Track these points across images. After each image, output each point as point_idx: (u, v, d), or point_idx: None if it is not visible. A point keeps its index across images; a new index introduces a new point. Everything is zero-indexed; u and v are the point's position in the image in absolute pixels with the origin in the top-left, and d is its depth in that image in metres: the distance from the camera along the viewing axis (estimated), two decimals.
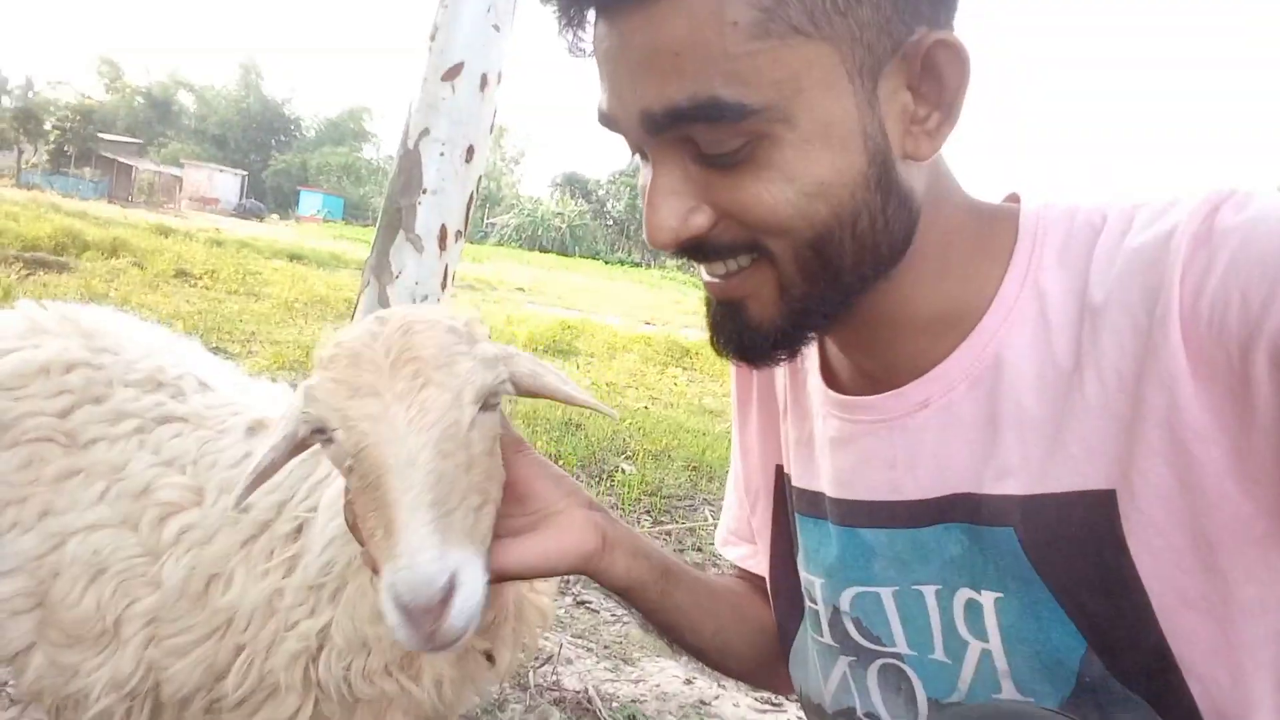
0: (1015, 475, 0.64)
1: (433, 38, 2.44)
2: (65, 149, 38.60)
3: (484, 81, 2.43)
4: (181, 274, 10.90)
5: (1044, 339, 0.65)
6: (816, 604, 0.82)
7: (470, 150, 2.43)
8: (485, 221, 60.60)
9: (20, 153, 36.43)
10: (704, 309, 0.74)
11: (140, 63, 67.75)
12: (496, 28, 2.44)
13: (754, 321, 0.66)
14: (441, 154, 2.38)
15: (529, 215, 55.11)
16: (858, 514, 0.76)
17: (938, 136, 0.65)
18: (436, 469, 0.79)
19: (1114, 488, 0.59)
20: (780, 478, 0.92)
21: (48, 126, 37.65)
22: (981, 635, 0.67)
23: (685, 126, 0.61)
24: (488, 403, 0.87)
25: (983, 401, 0.67)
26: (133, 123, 61.54)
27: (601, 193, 59.03)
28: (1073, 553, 0.61)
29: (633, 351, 10.66)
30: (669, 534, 4.11)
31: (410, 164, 2.39)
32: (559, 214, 54.81)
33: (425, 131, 2.38)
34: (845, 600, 0.77)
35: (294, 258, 16.97)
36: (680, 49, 0.58)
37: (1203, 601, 0.56)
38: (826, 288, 0.66)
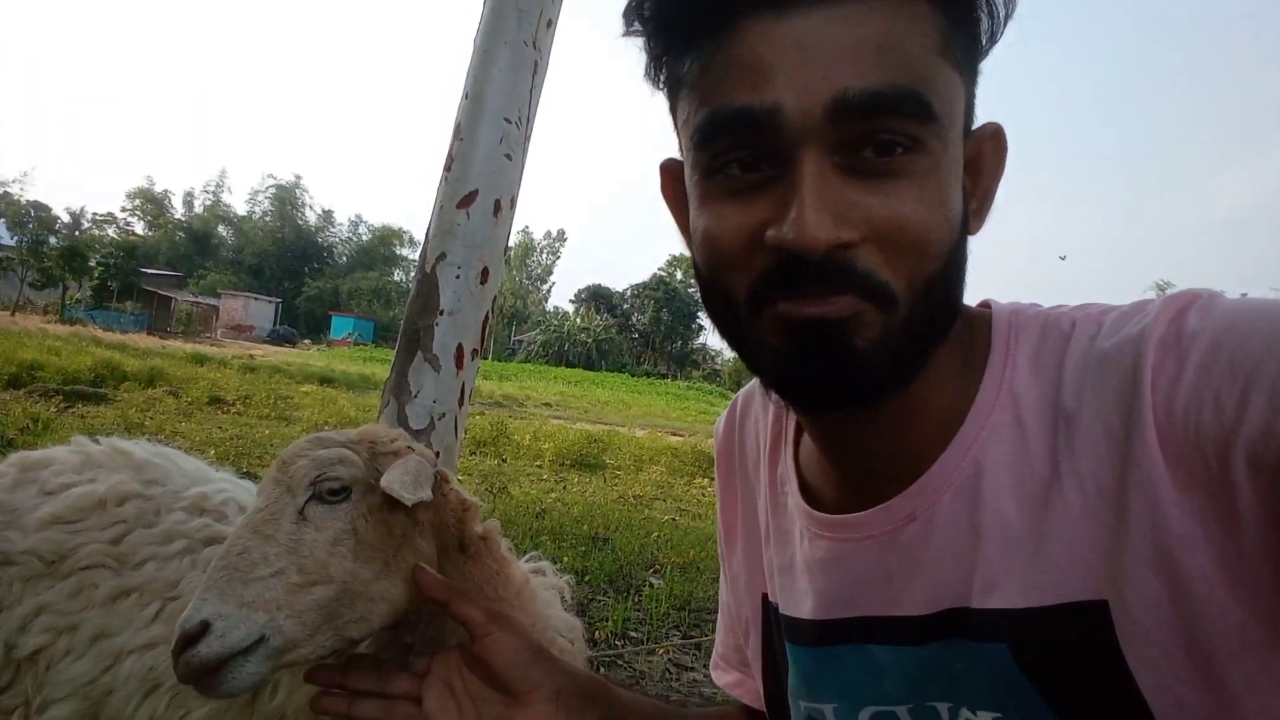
0: (1002, 588, 0.63)
1: (448, 168, 2.56)
2: (109, 284, 39.98)
3: (497, 207, 2.54)
4: (215, 401, 11.14)
5: (1021, 446, 0.64)
6: None
7: (485, 272, 2.52)
8: (512, 339, 61.52)
9: (65, 289, 37.76)
10: (759, 351, 0.67)
11: (182, 194, 70.53)
12: (509, 156, 2.57)
13: (859, 345, 0.61)
14: (458, 276, 2.47)
15: (555, 331, 55.96)
16: (865, 630, 0.74)
17: (979, 219, 0.68)
18: (244, 543, 0.98)
19: (1105, 599, 0.58)
20: (766, 607, 0.88)
21: (92, 263, 39.11)
22: None
23: (873, 119, 0.59)
24: (324, 497, 1.03)
25: (964, 512, 0.66)
26: (174, 256, 64.00)
27: (626, 306, 59.92)
28: (1069, 667, 0.60)
29: (660, 463, 10.63)
30: (698, 647, 4.02)
31: (428, 287, 2.48)
32: (584, 329, 55.61)
33: (442, 256, 2.47)
34: None
35: (324, 381, 17.28)
36: (882, 43, 0.58)
37: (1204, 712, 0.55)
38: (928, 326, 0.64)
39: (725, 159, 0.63)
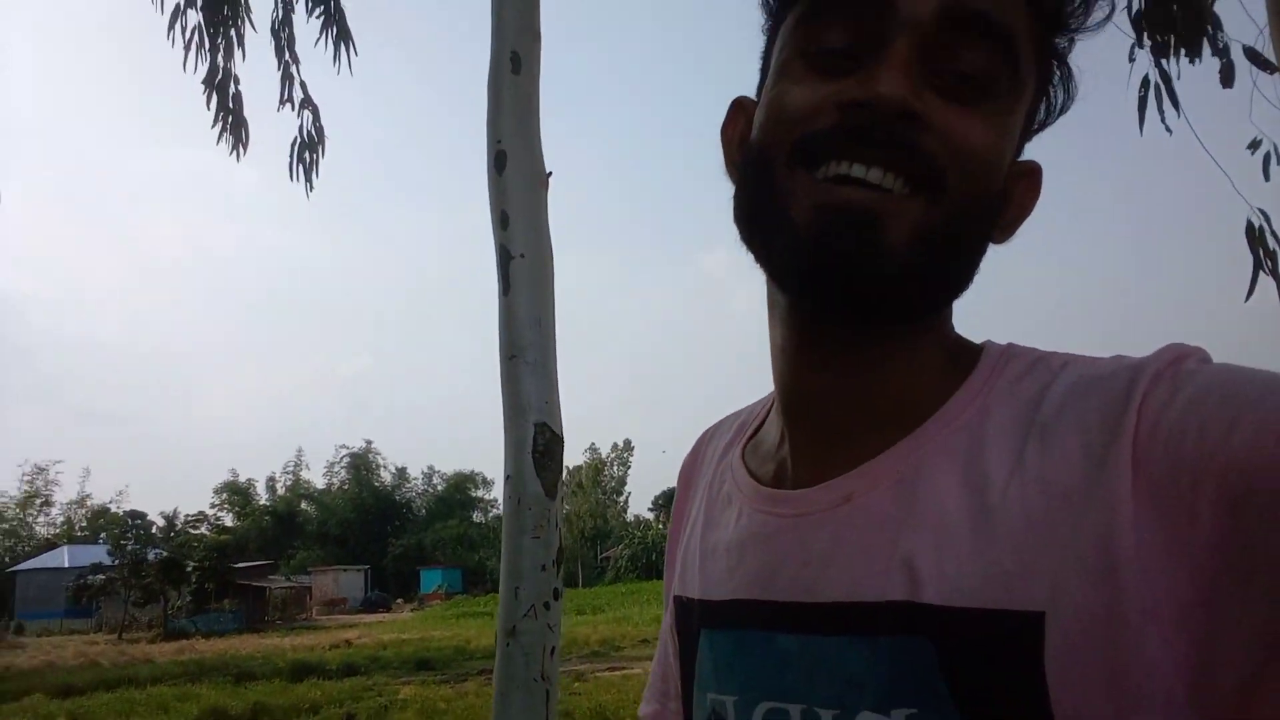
0: (933, 584, 0.59)
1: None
2: (206, 586, 40.91)
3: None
4: None
5: (981, 447, 0.61)
6: None
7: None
8: (599, 558, 60.81)
9: (165, 601, 38.69)
10: (781, 226, 0.62)
11: (264, 479, 73.49)
12: (548, 403, 2.72)
13: (888, 242, 0.58)
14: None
15: (640, 542, 55.26)
16: (775, 616, 0.69)
17: (1004, 233, 0.69)
18: None
19: (1044, 610, 0.54)
20: (681, 608, 0.83)
21: (189, 569, 40.24)
22: None
23: (974, 40, 0.60)
24: None
25: (904, 502, 0.63)
26: (263, 542, 65.70)
27: None
28: (990, 675, 0.56)
29: None
30: None
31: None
32: (666, 535, 54.68)
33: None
34: (757, 719, 0.70)
35: (421, 665, 17.16)
36: None
37: None
38: (955, 253, 0.63)
39: (823, 37, 0.63)
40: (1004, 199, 0.65)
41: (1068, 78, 0.67)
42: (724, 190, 0.73)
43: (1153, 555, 0.51)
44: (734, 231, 0.68)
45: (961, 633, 0.57)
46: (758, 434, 0.81)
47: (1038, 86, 0.65)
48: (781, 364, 0.71)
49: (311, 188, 5.88)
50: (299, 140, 5.79)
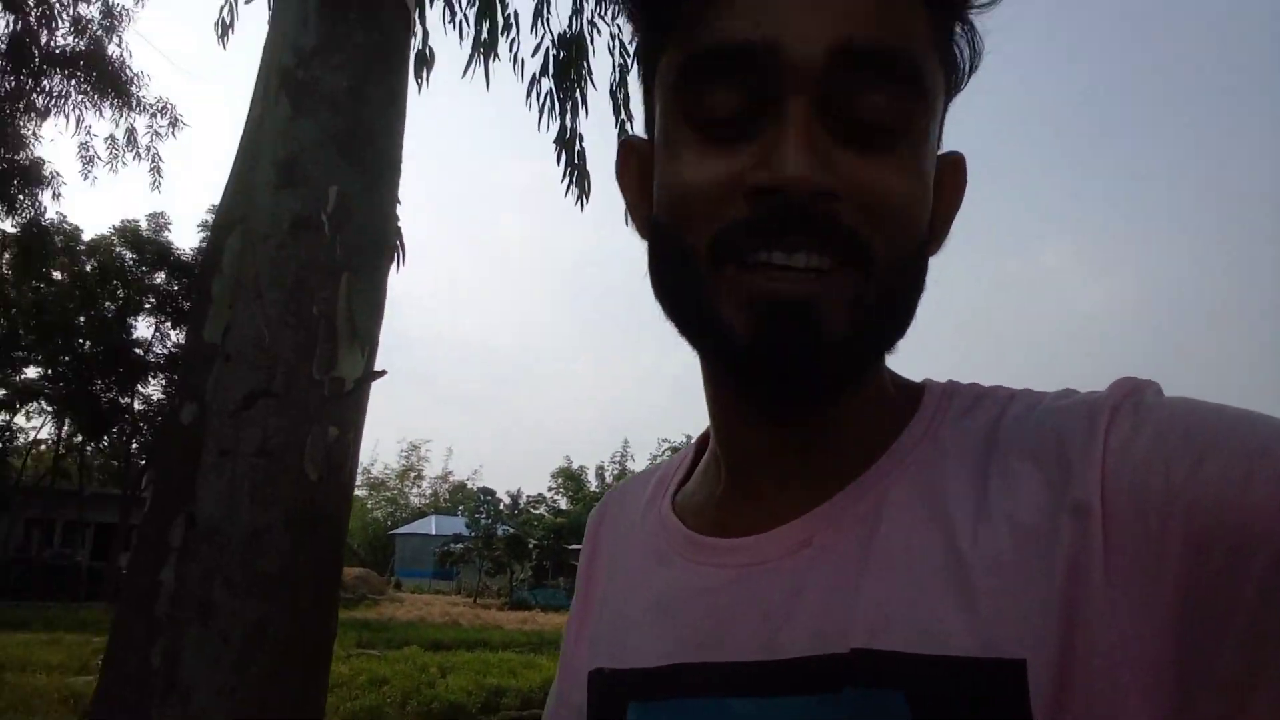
0: (900, 630, 0.54)
1: None
2: (544, 564, 44.70)
3: None
4: None
5: (939, 482, 0.58)
6: None
7: None
8: None
9: (511, 574, 42.76)
10: (713, 322, 0.58)
11: (594, 468, 79.09)
12: None
13: (825, 328, 0.55)
14: None
15: None
16: (726, 680, 0.61)
17: (937, 243, 0.64)
18: None
19: (1024, 658, 0.51)
20: (593, 683, 0.73)
21: (530, 546, 44.18)
22: None
23: (871, 78, 0.55)
24: None
25: (867, 543, 0.58)
26: None
27: None
28: None
29: None
30: None
31: None
32: None
33: None
34: None
35: None
36: (885, 7, 0.55)
37: None
38: (896, 309, 0.58)
39: (708, 103, 0.57)
40: (931, 228, 0.61)
41: (970, 33, 0.61)
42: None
43: (1123, 595, 0.50)
44: None
45: (937, 683, 0.53)
46: (684, 487, 0.75)
47: (945, 74, 0.60)
48: (721, 420, 0.68)
49: None
50: None
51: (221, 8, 6.04)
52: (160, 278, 26.23)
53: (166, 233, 26.42)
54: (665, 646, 0.66)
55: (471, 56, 5.66)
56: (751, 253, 0.55)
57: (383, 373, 1.85)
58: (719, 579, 0.64)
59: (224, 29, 6.09)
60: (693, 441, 0.78)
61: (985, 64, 0.64)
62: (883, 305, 0.57)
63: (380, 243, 1.78)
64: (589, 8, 6.07)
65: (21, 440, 33.25)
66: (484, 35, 5.71)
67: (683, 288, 0.59)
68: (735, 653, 0.61)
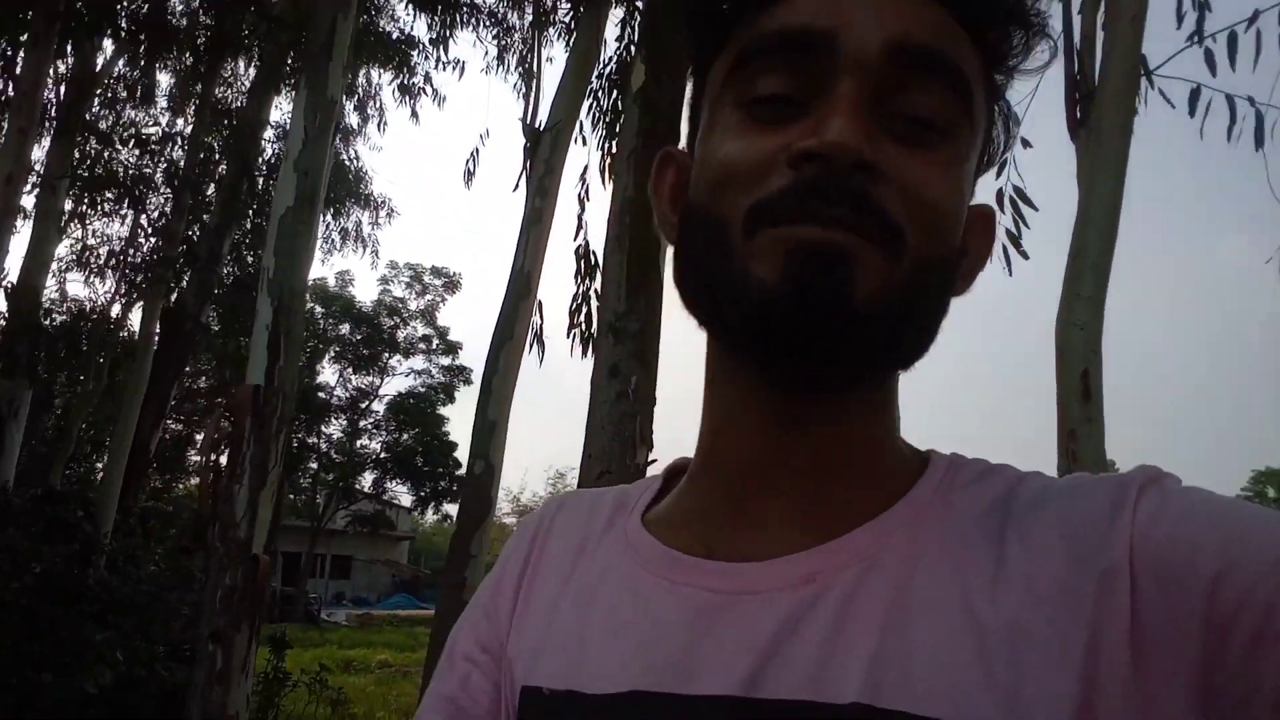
0: (911, 689, 0.50)
1: None
2: None
3: None
4: None
5: (956, 542, 0.55)
6: None
7: None
8: None
9: None
10: (743, 284, 0.54)
11: None
12: None
13: (858, 285, 0.51)
14: None
15: None
16: (695, 714, 0.55)
17: (964, 281, 0.63)
18: None
19: None
20: (534, 705, 0.62)
21: None
22: None
23: (924, 78, 0.55)
24: None
25: (876, 590, 0.54)
26: None
27: None
28: None
29: None
30: None
31: None
32: None
33: None
34: None
35: None
36: (943, 25, 0.56)
37: None
38: (916, 311, 0.56)
39: (760, 84, 0.56)
40: (963, 249, 0.60)
41: (1007, 116, 0.63)
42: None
43: (1147, 667, 0.48)
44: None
45: None
46: (653, 507, 0.67)
47: (985, 127, 0.60)
48: (722, 422, 0.61)
49: None
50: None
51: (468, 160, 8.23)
52: (345, 329, 28.87)
53: (350, 288, 28.97)
54: (627, 672, 0.58)
55: None
56: (787, 222, 0.52)
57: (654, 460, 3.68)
58: (700, 603, 0.58)
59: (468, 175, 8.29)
60: (659, 472, 0.72)
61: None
62: (909, 294, 0.54)
63: (650, 398, 3.68)
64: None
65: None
66: None
67: (713, 257, 0.56)
68: (710, 685, 0.55)
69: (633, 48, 7.61)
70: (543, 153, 6.61)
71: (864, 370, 0.57)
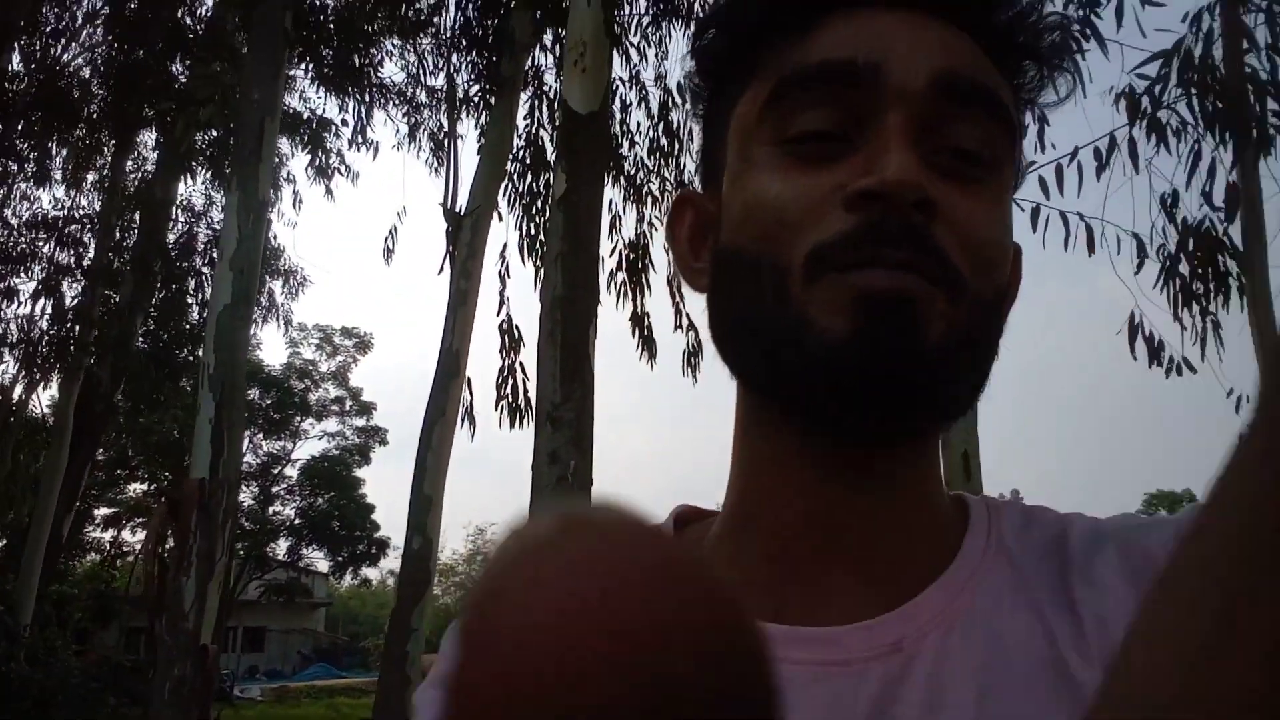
0: None
1: None
2: None
3: None
4: None
5: (1028, 591, 0.52)
6: None
7: None
8: None
9: None
10: (805, 336, 0.51)
11: None
12: None
13: (926, 329, 0.50)
14: None
15: None
16: None
17: None
18: None
19: None
20: None
21: None
22: None
23: (966, 109, 0.53)
24: None
25: (962, 651, 0.51)
26: None
27: None
28: None
29: None
30: None
31: None
32: None
33: None
34: None
35: None
36: (977, 53, 0.55)
37: None
38: (977, 353, 0.54)
39: (800, 120, 0.53)
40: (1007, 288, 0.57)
41: (1020, 152, 0.60)
42: None
43: None
44: None
45: None
46: None
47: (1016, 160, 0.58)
48: (772, 483, 0.57)
49: None
50: None
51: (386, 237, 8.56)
52: (254, 393, 28.25)
53: (259, 351, 28.48)
54: None
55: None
56: (852, 267, 0.50)
57: None
58: (794, 675, 0.49)
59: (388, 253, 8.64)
60: (666, 520, 0.65)
61: None
62: (971, 337, 0.52)
63: (587, 442, 4.08)
64: (647, 213, 8.46)
65: (131, 555, 35.33)
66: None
67: (763, 303, 0.53)
68: None
69: (542, 130, 8.12)
70: (464, 237, 6.99)
71: (930, 418, 0.55)
